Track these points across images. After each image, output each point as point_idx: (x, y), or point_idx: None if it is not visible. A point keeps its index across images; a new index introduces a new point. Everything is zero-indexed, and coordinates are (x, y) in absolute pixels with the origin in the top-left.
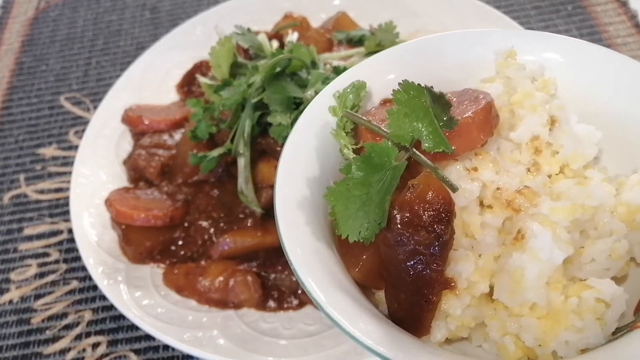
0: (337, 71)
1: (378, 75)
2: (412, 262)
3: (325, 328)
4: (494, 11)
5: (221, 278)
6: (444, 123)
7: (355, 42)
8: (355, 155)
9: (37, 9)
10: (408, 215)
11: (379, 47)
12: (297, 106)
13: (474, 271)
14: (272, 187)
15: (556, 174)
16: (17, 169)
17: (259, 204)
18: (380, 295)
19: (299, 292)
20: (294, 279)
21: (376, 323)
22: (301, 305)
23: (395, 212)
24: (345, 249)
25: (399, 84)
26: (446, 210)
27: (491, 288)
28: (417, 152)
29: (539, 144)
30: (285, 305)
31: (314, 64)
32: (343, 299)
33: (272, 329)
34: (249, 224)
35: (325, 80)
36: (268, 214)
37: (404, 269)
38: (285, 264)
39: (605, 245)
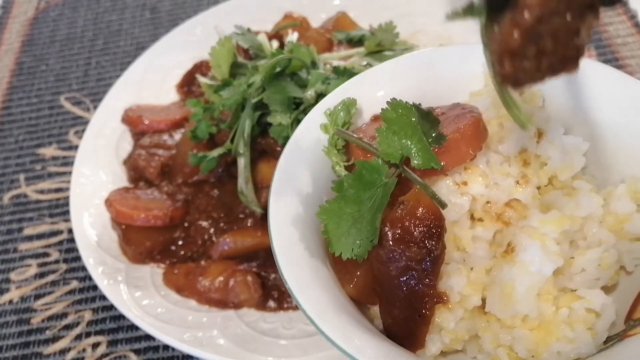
0: (337, 71)
1: (368, 92)
2: (404, 278)
3: None
4: None
5: (221, 278)
6: (433, 139)
7: (355, 42)
8: (347, 173)
9: (37, 9)
10: (399, 231)
11: (379, 47)
12: (297, 106)
13: (466, 284)
14: None
15: (545, 186)
16: (17, 169)
17: (259, 204)
18: (375, 310)
19: None
20: None
21: (371, 339)
22: None
23: (387, 228)
24: (339, 266)
25: (387, 102)
26: (436, 226)
27: (483, 300)
28: (406, 169)
29: (527, 156)
30: (285, 305)
31: (314, 64)
32: (337, 316)
33: (272, 329)
34: (249, 224)
35: (326, 80)
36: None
37: (397, 285)
38: None
39: (595, 255)
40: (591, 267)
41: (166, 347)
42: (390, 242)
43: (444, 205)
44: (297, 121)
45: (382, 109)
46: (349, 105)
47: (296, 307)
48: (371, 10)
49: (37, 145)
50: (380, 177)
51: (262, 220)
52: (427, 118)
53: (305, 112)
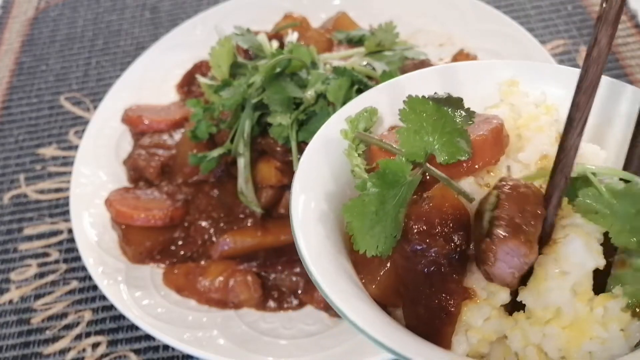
0: (337, 71)
1: (385, 106)
2: (430, 273)
3: (325, 328)
4: (494, 11)
5: (221, 278)
6: (462, 120)
7: (355, 42)
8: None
9: (37, 9)
10: (424, 225)
11: (379, 47)
12: (297, 106)
13: None
14: (272, 187)
15: None
16: (17, 169)
17: (259, 204)
18: (396, 313)
19: (299, 292)
20: (294, 279)
21: (409, 336)
22: (301, 305)
23: (412, 223)
24: (360, 266)
25: (404, 101)
26: (463, 220)
27: (512, 298)
28: (430, 166)
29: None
30: (285, 305)
31: (314, 64)
32: (370, 310)
33: (272, 329)
34: (249, 224)
35: (326, 81)
36: (268, 214)
37: (423, 281)
38: (286, 264)
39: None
40: None
41: (166, 347)
42: (416, 237)
43: (470, 199)
44: (297, 121)
45: (400, 110)
46: (371, 114)
47: (296, 307)
48: (371, 10)
49: (37, 145)
50: (404, 176)
51: (262, 220)
52: (448, 101)
53: (305, 112)
